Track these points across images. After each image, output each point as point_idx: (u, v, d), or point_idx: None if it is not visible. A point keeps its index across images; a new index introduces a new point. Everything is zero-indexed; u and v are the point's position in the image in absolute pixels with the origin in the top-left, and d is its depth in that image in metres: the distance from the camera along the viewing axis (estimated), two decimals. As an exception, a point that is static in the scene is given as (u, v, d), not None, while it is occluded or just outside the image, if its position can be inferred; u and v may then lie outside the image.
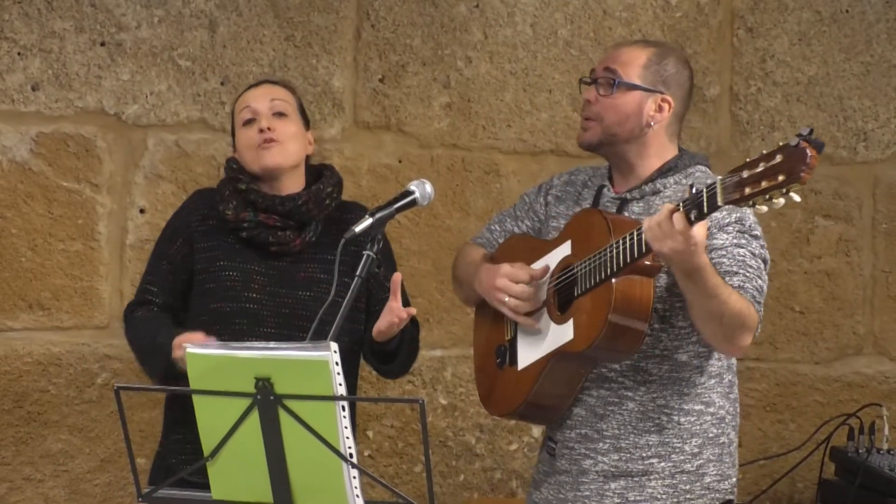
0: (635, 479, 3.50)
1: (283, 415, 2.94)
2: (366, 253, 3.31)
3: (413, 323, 3.90)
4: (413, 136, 4.89)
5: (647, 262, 3.33)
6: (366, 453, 4.79)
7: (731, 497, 3.58)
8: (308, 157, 3.98)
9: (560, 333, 3.45)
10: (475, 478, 4.94)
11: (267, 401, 2.94)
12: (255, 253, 3.86)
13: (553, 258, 3.53)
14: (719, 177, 3.10)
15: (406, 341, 3.82)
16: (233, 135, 3.98)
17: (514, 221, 3.76)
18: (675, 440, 3.50)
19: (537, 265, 3.56)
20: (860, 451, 4.59)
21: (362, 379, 4.29)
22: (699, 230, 3.16)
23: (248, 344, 3.01)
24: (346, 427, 2.92)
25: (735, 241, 3.41)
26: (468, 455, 4.93)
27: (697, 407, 3.52)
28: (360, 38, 4.86)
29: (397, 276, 3.62)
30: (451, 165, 4.92)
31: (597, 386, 3.51)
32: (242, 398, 2.95)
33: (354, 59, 4.86)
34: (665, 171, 3.54)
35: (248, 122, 3.88)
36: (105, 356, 4.73)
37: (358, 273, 3.29)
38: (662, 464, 3.50)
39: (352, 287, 3.26)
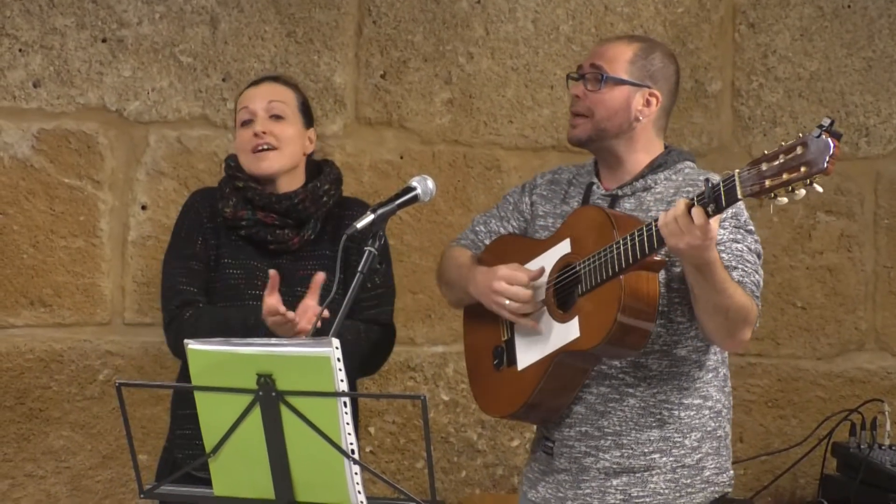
0: (637, 474, 3.51)
1: (284, 411, 2.94)
2: (367, 249, 3.31)
3: (384, 327, 3.92)
4: (415, 132, 4.89)
5: (656, 258, 3.34)
6: (367, 449, 4.79)
7: (728, 489, 3.59)
8: (311, 153, 3.98)
9: (564, 332, 3.44)
10: (477, 474, 4.94)
11: (269, 397, 2.94)
12: (256, 251, 3.87)
13: (550, 257, 3.52)
14: (736, 170, 3.12)
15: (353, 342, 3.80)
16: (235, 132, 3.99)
17: (500, 222, 3.74)
18: (675, 435, 3.51)
19: (533, 264, 3.55)
20: (862, 446, 4.59)
21: (364, 375, 4.29)
22: (714, 224, 3.18)
23: (249, 340, 3.01)
24: (347, 423, 2.92)
25: (732, 236, 3.43)
26: (470, 451, 4.92)
27: (696, 401, 3.53)
28: (362, 35, 4.86)
29: (319, 276, 3.61)
30: (453, 161, 4.92)
31: (597, 383, 3.51)
32: (244, 394, 2.95)
33: (356, 55, 4.86)
34: (655, 167, 3.55)
35: (246, 123, 3.89)
36: (107, 353, 4.73)
37: (359, 269, 3.28)
38: (664, 459, 3.50)
39: (353, 283, 3.26)
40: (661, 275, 3.41)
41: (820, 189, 3.02)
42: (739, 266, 3.40)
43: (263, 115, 3.88)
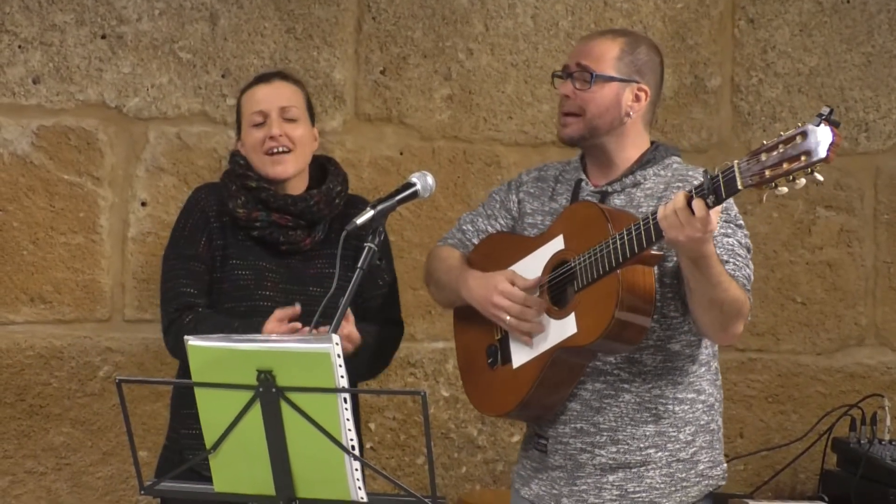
0: (633, 469, 3.51)
1: (285, 407, 2.94)
2: (367, 245, 3.31)
3: (395, 323, 3.94)
4: (414, 128, 4.89)
5: (653, 252, 3.34)
6: (368, 445, 4.79)
7: (722, 483, 3.60)
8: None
9: (561, 328, 3.44)
10: (477, 470, 4.94)
11: (269, 393, 2.94)
12: (265, 251, 3.86)
13: (543, 254, 3.52)
14: (735, 161, 3.12)
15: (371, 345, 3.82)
16: (238, 127, 3.97)
17: (487, 220, 3.73)
18: (670, 429, 3.51)
19: (526, 261, 3.54)
20: (862, 441, 4.59)
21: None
22: (713, 216, 3.18)
23: (249, 336, 3.02)
24: (348, 419, 2.92)
25: (722, 230, 3.43)
26: (470, 447, 4.93)
27: (690, 395, 3.54)
28: (362, 31, 4.86)
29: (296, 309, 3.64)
30: (453, 157, 4.92)
31: (592, 380, 3.52)
32: (244, 391, 2.95)
33: (356, 51, 4.86)
34: (644, 163, 3.56)
35: (258, 125, 3.87)
36: (107, 349, 4.73)
37: (359, 265, 3.28)
38: (659, 453, 3.51)
39: (353, 279, 3.26)
40: (654, 270, 3.41)
41: (820, 178, 3.03)
42: (731, 260, 3.41)
43: (277, 116, 3.86)
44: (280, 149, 3.85)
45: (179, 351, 3.74)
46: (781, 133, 3.06)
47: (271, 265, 3.84)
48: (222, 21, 4.78)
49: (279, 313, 3.66)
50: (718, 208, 3.20)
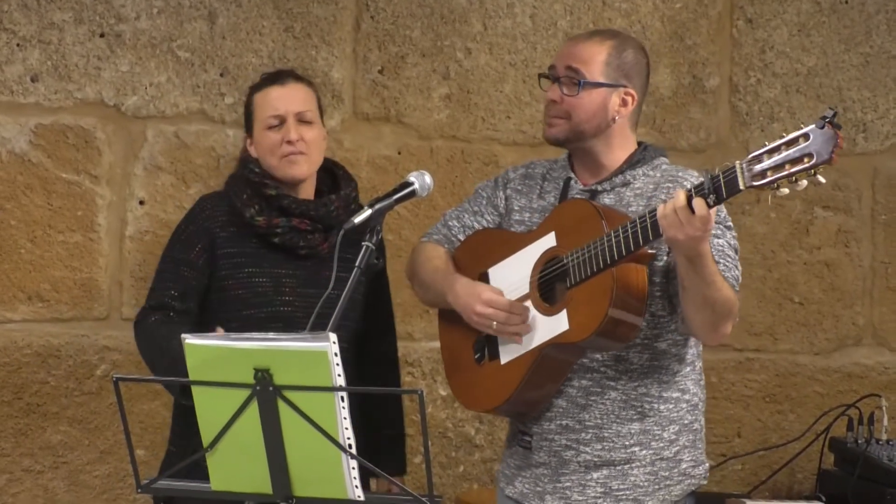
0: (618, 467, 3.52)
1: (282, 406, 2.94)
2: (364, 244, 3.30)
3: (395, 365, 4.09)
4: (412, 127, 4.89)
5: (649, 251, 3.35)
6: (365, 444, 4.79)
7: (703, 482, 3.61)
8: None
9: (552, 325, 3.44)
10: (475, 469, 4.94)
11: (266, 391, 2.94)
12: (281, 256, 3.85)
13: (534, 250, 3.51)
14: (737, 161, 3.12)
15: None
16: (247, 127, 3.94)
17: (473, 217, 3.72)
18: (655, 428, 3.53)
19: (517, 258, 3.54)
20: (859, 441, 4.60)
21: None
22: (713, 215, 3.19)
23: (247, 335, 3.01)
24: (345, 418, 2.92)
25: (713, 231, 3.43)
26: (468, 446, 4.93)
27: (675, 394, 3.55)
28: (360, 30, 4.86)
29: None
30: (451, 157, 4.92)
31: (578, 377, 3.52)
32: (241, 389, 2.95)
33: (354, 50, 4.86)
34: (633, 163, 3.56)
35: (274, 127, 3.86)
36: (104, 347, 4.73)
37: (357, 264, 3.28)
38: (644, 451, 3.52)
39: (350, 278, 3.26)
40: (646, 268, 3.42)
41: (823, 180, 3.05)
42: (721, 261, 3.41)
43: (294, 120, 3.86)
44: (297, 152, 3.85)
45: (141, 343, 3.85)
46: (784, 134, 3.06)
47: (288, 270, 3.85)
48: (221, 20, 4.77)
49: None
50: (716, 208, 3.21)
